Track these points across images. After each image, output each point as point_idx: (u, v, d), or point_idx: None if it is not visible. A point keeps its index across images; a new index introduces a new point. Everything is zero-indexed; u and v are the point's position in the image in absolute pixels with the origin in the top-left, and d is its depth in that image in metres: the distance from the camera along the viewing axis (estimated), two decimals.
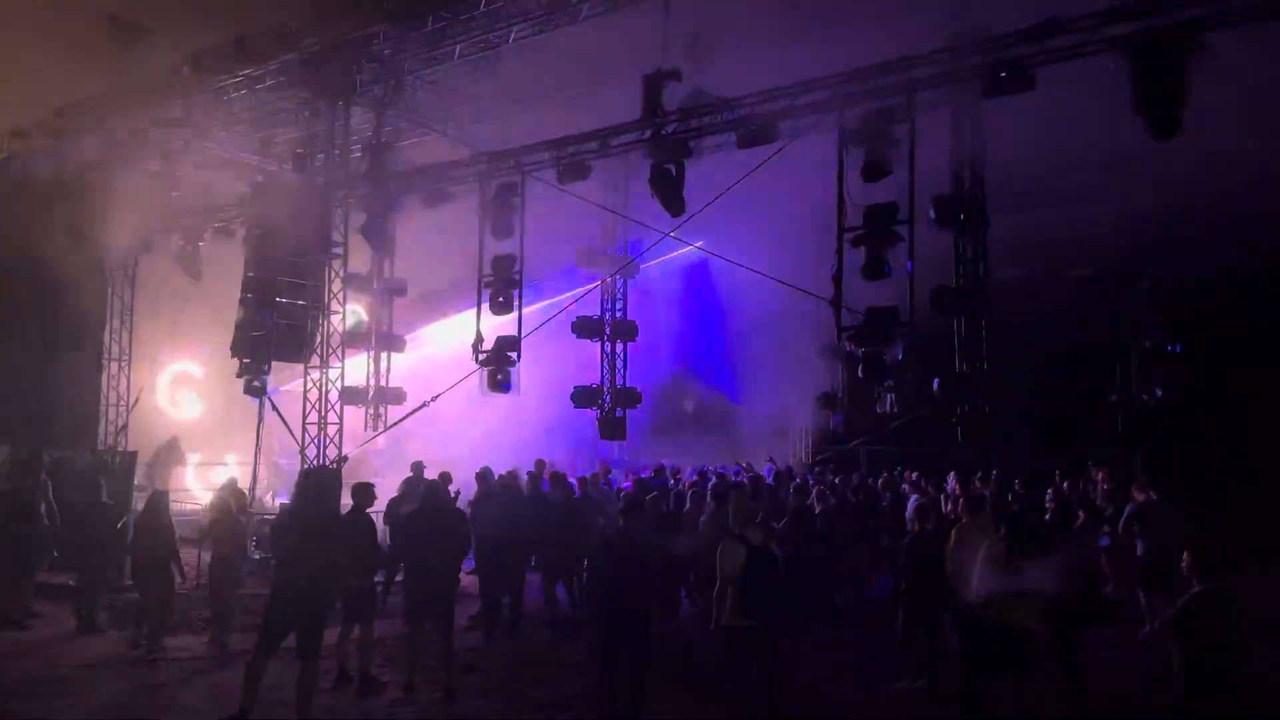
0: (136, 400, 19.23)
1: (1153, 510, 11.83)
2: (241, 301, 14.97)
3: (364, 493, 9.54)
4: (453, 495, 11.07)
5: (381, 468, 17.04)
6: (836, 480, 16.75)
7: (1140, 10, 9.43)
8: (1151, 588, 11.33)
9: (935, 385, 12.26)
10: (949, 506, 13.21)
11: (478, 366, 15.01)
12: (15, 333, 17.51)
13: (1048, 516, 11.72)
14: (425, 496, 9.96)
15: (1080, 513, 12.77)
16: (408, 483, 12.80)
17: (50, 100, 17.93)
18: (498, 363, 14.90)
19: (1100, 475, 16.34)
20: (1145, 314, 16.76)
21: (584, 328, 16.77)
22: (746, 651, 7.92)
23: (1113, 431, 16.55)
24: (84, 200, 17.21)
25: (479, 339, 15.15)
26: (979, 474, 16.50)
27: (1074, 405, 17.96)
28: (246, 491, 15.49)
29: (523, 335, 14.75)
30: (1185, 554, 6.70)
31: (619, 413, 16.92)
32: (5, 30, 15.63)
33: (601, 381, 17.21)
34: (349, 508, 9.46)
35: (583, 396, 16.78)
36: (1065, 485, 15.46)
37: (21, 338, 17.49)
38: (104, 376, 19.01)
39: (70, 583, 12.26)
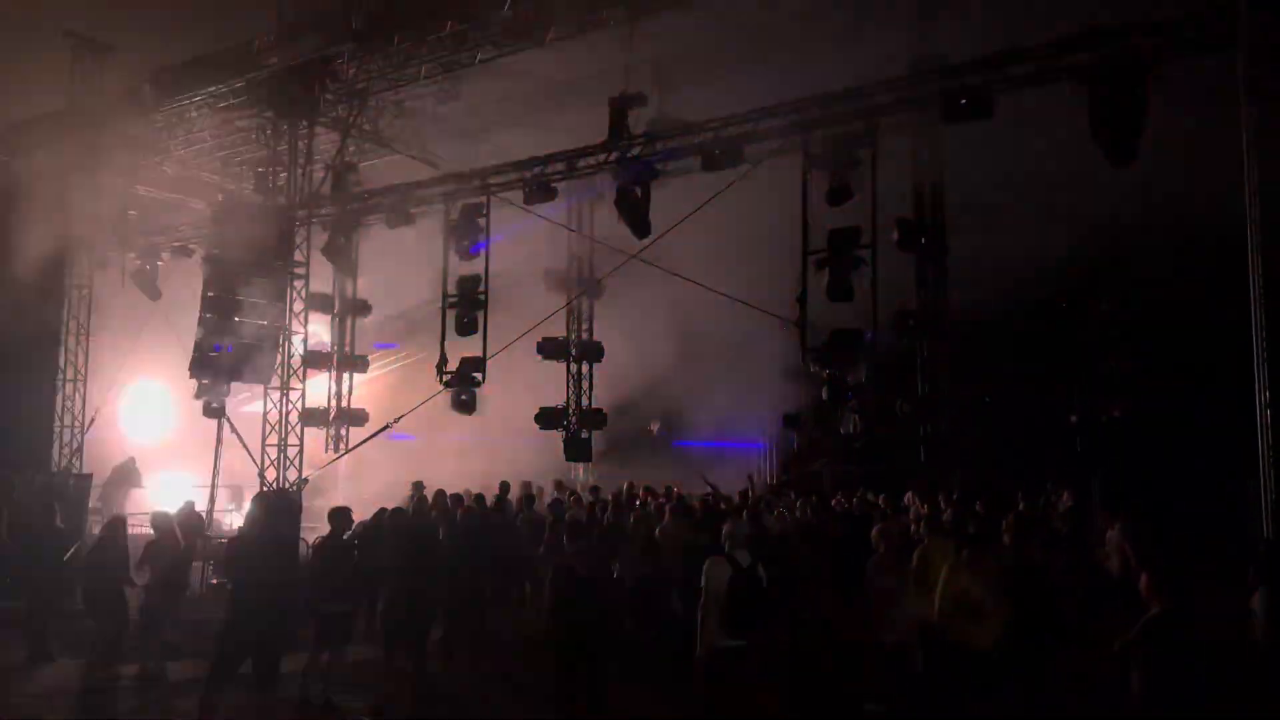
0: (92, 421, 18.86)
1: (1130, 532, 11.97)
2: (200, 321, 14.77)
3: (341, 517, 9.44)
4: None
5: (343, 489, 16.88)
6: (799, 501, 16.74)
7: (1096, 40, 9.63)
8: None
9: (900, 406, 12.38)
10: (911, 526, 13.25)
11: (442, 388, 14.91)
12: None
13: (1006, 539, 11.82)
14: (402, 522, 9.87)
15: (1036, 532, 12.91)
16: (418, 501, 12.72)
17: (6, 116, 17.64)
18: (463, 384, 14.82)
19: (1064, 496, 16.53)
20: (1104, 336, 17.05)
21: (550, 349, 16.73)
22: (729, 670, 7.88)
23: (1072, 452, 16.76)
24: (40, 217, 16.92)
25: (443, 360, 15.05)
26: (940, 494, 16.63)
27: (1035, 426, 18.17)
28: (204, 515, 15.31)
29: (487, 356, 14.68)
30: (1143, 575, 6.78)
31: (585, 434, 16.88)
32: None
33: (567, 402, 17.17)
34: (327, 533, 9.36)
35: (548, 418, 16.72)
36: (1022, 506, 15.60)
37: None
38: (59, 397, 18.63)
39: (20, 608, 11.95)
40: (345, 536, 9.71)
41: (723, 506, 13.73)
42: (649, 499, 15.50)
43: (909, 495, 15.86)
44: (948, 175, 12.52)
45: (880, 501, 16.79)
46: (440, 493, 14.05)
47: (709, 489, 15.77)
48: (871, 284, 11.05)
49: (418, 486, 13.73)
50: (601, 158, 13.29)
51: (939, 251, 12.55)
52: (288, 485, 14.58)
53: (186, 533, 14.46)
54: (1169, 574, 6.81)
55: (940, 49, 11.49)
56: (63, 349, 18.67)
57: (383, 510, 11.97)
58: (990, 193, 14.91)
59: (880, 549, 9.67)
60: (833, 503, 16.77)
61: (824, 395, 11.87)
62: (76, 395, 18.81)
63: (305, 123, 15.23)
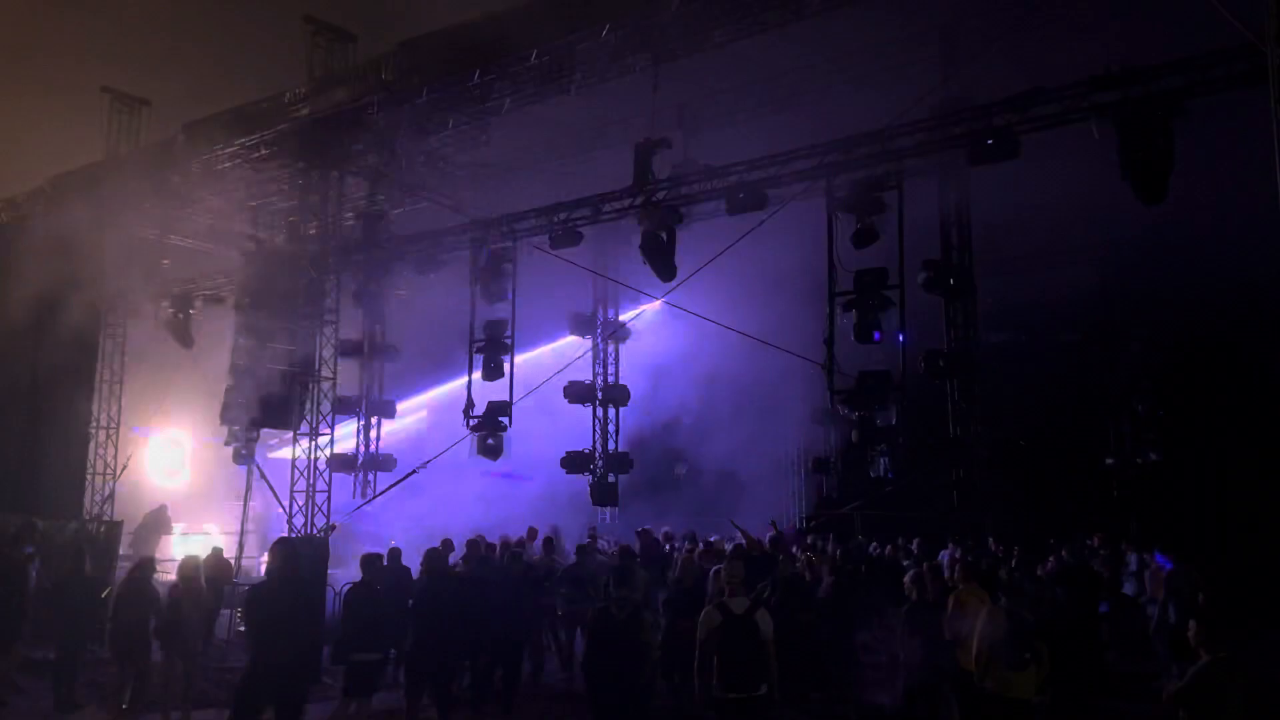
0: (124, 469, 19.00)
1: (1182, 575, 11.76)
2: (231, 369, 14.90)
3: (371, 565, 9.40)
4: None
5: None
6: (827, 547, 16.51)
7: (1124, 80, 9.60)
8: (1179, 653, 11.12)
9: (927, 449, 12.22)
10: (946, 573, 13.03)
11: (469, 432, 14.92)
12: (5, 401, 17.38)
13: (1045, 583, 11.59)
14: (428, 568, 9.79)
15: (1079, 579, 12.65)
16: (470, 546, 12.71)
17: (46, 169, 18.07)
18: (489, 428, 14.83)
19: (1097, 539, 16.22)
20: (1136, 377, 16.82)
21: (576, 393, 16.72)
22: None
23: (1108, 496, 16.47)
24: (76, 268, 17.23)
25: (470, 404, 15.09)
26: (971, 541, 16.38)
27: (1068, 469, 17.88)
28: (232, 561, 15.33)
29: (514, 400, 14.70)
30: (1192, 623, 6.58)
31: (611, 478, 16.80)
32: (5, 102, 15.84)
33: (593, 446, 17.11)
34: (358, 581, 9.32)
35: (574, 462, 16.66)
36: (1064, 552, 15.31)
37: (9, 405, 17.34)
38: (91, 445, 18.80)
39: (50, 657, 11.95)
40: (375, 584, 9.66)
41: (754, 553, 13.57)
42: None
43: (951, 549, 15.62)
44: (974, 216, 12.45)
45: (914, 546, 16.59)
46: (472, 541, 13.99)
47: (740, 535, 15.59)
48: (900, 325, 10.97)
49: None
50: (627, 202, 13.37)
51: (967, 292, 12.45)
52: (315, 531, 14.56)
53: (214, 579, 14.55)
54: (1219, 621, 6.62)
55: (964, 91, 11.52)
56: (96, 397, 18.88)
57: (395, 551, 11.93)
58: (1018, 233, 14.87)
59: (913, 595, 9.50)
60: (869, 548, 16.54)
61: (853, 438, 11.76)
62: (109, 443, 18.98)
63: (336, 172, 15.44)
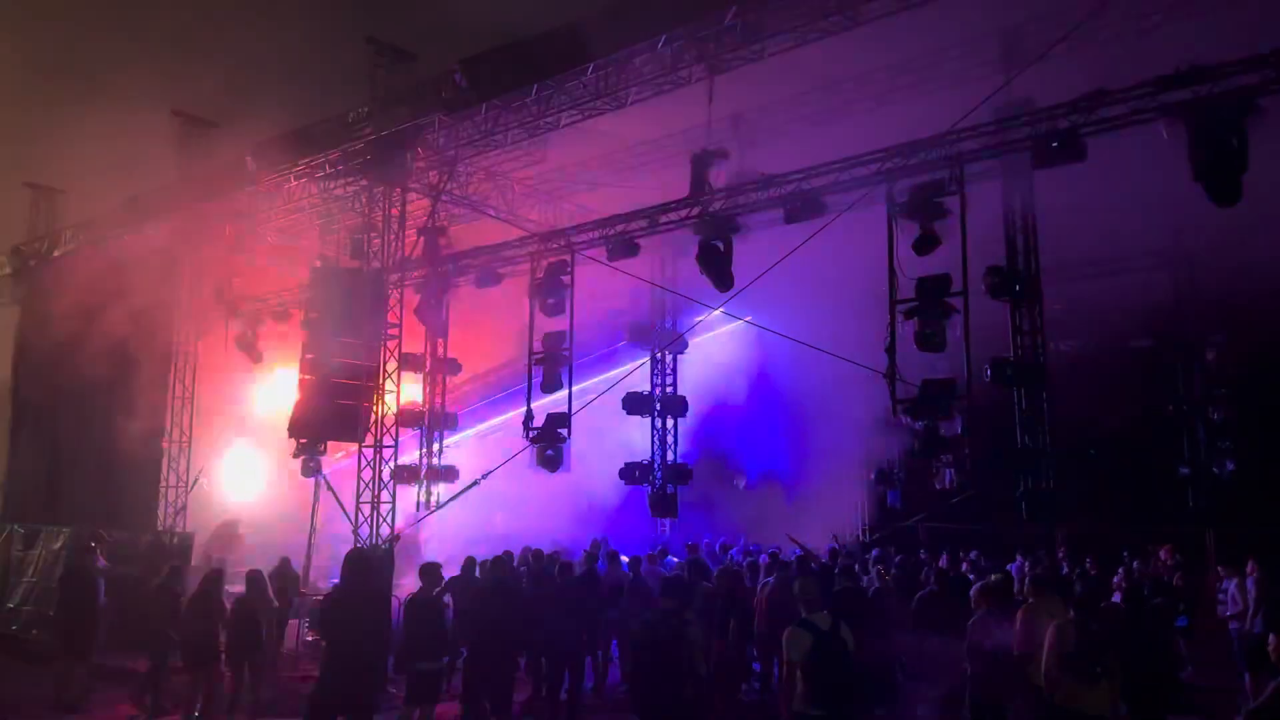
0: (196, 482, 19.48)
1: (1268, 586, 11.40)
2: (298, 383, 15.20)
3: (431, 574, 9.50)
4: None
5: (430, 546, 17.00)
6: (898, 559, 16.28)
7: (1194, 77, 9.34)
8: (1260, 667, 10.74)
9: (994, 460, 11.96)
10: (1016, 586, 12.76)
11: (528, 444, 15.02)
12: (83, 416, 17.97)
13: (1116, 597, 11.28)
14: (490, 576, 9.88)
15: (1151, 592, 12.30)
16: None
17: (119, 191, 18.67)
18: (548, 439, 14.91)
19: (1164, 552, 15.74)
20: (1212, 385, 16.31)
21: (634, 403, 16.73)
22: None
23: (1183, 506, 15.96)
24: (149, 287, 17.78)
25: (529, 416, 15.20)
26: (1043, 552, 16.00)
27: (1141, 480, 17.38)
28: (300, 572, 15.61)
29: (573, 412, 14.77)
30: (1272, 637, 6.36)
31: (670, 489, 16.76)
32: (77, 125, 16.40)
33: (652, 457, 17.09)
34: (419, 590, 9.43)
35: (633, 473, 16.66)
36: (1135, 564, 14.90)
37: (86, 421, 17.92)
38: (164, 459, 19.32)
39: (125, 666, 12.29)
40: (436, 593, 9.76)
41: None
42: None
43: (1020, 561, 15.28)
44: (1040, 220, 12.19)
45: (973, 557, 16.27)
46: (527, 550, 14.10)
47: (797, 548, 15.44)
48: (964, 333, 10.77)
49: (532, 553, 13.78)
50: (683, 213, 13.38)
51: (1034, 298, 12.18)
52: (380, 542, 14.77)
53: (281, 590, 14.83)
54: None
55: (1026, 93, 11.31)
56: (169, 411, 19.40)
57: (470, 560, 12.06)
58: (1086, 237, 14.53)
59: (981, 608, 9.30)
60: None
61: (916, 448, 11.56)
62: (181, 456, 19.47)
63: (397, 189, 15.71)
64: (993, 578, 10.91)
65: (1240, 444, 15.86)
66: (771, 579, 11.94)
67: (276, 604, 12.33)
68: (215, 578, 11.50)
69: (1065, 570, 14.70)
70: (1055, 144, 10.38)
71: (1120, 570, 13.67)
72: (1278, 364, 16.51)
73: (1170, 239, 16.22)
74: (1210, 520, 16.61)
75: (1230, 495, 15.63)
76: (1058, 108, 10.47)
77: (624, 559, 14.03)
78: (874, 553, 16.42)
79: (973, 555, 16.21)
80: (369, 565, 8.63)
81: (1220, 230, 11.99)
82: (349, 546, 14.89)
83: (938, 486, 13.85)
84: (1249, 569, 12.86)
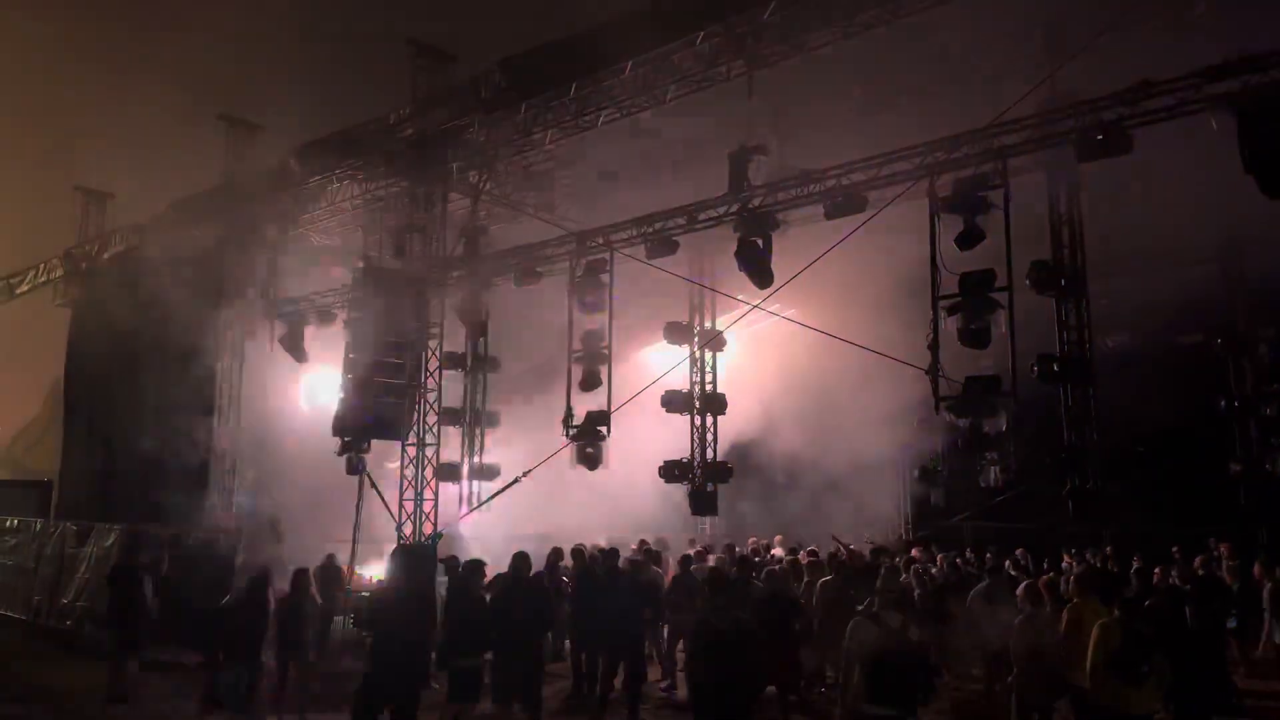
0: (244, 482, 19.78)
1: None
2: (343, 382, 15.41)
3: (474, 571, 9.57)
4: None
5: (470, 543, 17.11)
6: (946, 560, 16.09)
7: (1242, 67, 9.15)
8: None
9: (1041, 458, 11.80)
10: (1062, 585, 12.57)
11: (568, 441, 15.10)
12: (134, 416, 18.33)
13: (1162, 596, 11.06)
14: (508, 574, 9.89)
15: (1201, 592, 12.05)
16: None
17: (167, 194, 19.03)
18: (587, 437, 14.97)
19: (1224, 550, 15.41)
20: (1263, 380, 15.95)
21: (673, 402, 16.72)
22: None
23: (1235, 504, 15.62)
24: (196, 287, 18.09)
25: (569, 414, 15.27)
26: (1083, 551, 15.77)
27: (1191, 477, 17.04)
28: (344, 568, 15.78)
29: (612, 410, 14.82)
30: None
31: (709, 487, 16.73)
32: (126, 130, 16.75)
33: (692, 455, 17.07)
34: (461, 585, 9.49)
35: (672, 471, 16.65)
36: (1174, 567, 14.60)
37: (136, 420, 18.27)
38: (212, 457, 19.64)
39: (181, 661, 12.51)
40: (479, 590, 9.81)
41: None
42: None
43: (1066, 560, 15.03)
44: (1085, 212, 12.00)
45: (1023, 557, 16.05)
46: (562, 549, 14.14)
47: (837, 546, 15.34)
48: (1009, 329, 10.63)
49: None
50: (722, 210, 13.35)
51: (1079, 293, 11.99)
52: (423, 539, 14.92)
53: (326, 586, 15.01)
54: None
55: (1070, 86, 11.13)
56: (216, 411, 19.72)
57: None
58: (1134, 231, 14.26)
59: (1026, 608, 9.19)
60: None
61: (961, 446, 11.44)
62: (229, 456, 19.79)
63: (439, 189, 15.85)
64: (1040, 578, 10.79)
65: None
66: (828, 578, 11.89)
67: (320, 601, 12.44)
68: (260, 575, 11.65)
69: (1111, 569, 14.46)
70: (1100, 137, 10.22)
71: (1173, 570, 13.39)
72: None
73: (1220, 231, 15.87)
74: (1262, 518, 16.25)
75: None
76: (1102, 100, 10.32)
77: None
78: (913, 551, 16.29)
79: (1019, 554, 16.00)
80: (415, 561, 8.72)
81: (1272, 221, 11.69)
82: (390, 544, 15.12)
83: (982, 484, 13.71)
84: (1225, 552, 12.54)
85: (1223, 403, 16.42)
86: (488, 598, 9.87)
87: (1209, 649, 8.73)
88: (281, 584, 12.21)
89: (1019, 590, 9.62)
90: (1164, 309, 16.95)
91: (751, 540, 17.96)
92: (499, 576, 11.50)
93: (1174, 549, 15.29)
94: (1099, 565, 15.05)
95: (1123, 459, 15.05)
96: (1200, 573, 13.07)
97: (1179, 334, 17.71)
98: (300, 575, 11.55)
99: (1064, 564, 15.28)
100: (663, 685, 12.68)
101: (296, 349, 19.59)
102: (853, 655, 7.43)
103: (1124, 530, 16.27)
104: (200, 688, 11.63)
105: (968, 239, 10.86)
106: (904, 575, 13.00)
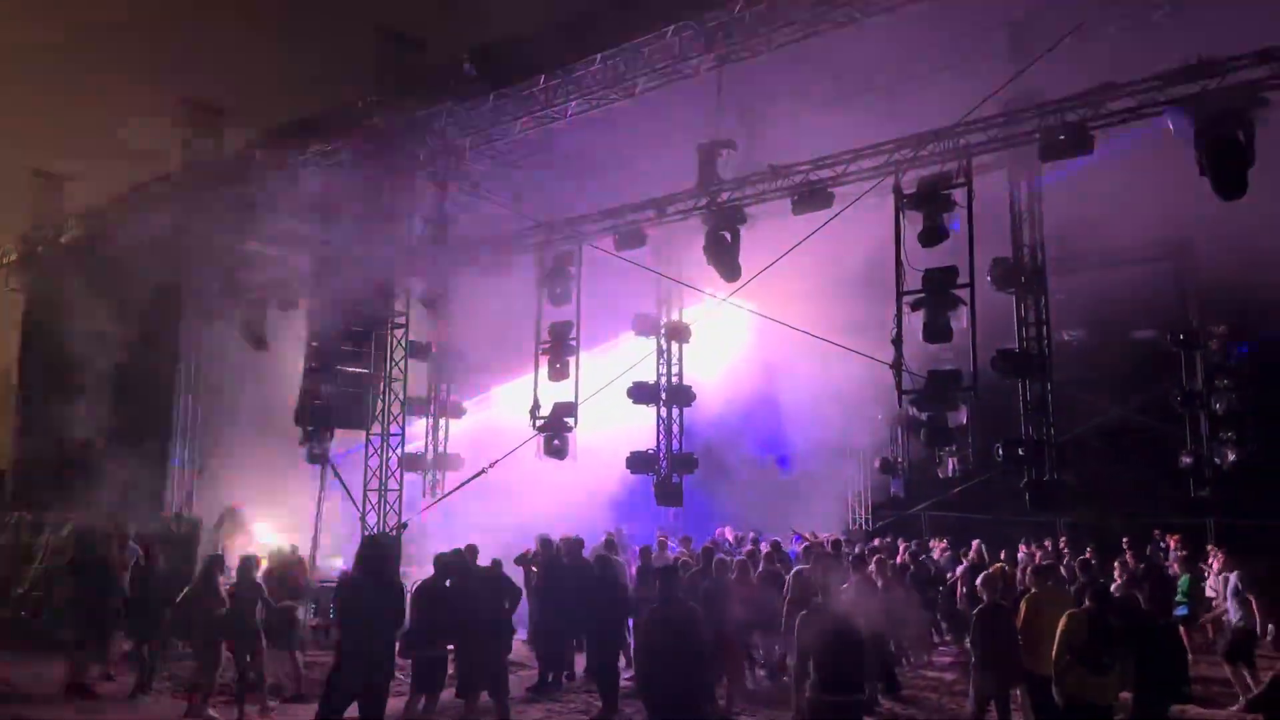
0: (201, 470, 19.54)
1: (1244, 581, 11.49)
2: (305, 371, 15.29)
3: (444, 564, 9.59)
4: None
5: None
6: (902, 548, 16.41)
7: (1200, 72, 9.39)
8: (1237, 660, 10.88)
9: (998, 450, 12.03)
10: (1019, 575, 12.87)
11: (535, 432, 15.12)
12: (89, 403, 18.03)
13: (1113, 587, 11.38)
14: (455, 567, 9.89)
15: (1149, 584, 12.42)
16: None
17: (126, 178, 18.68)
18: (555, 429, 15.00)
19: (1172, 542, 15.85)
20: (1214, 376, 16.39)
21: (640, 393, 16.77)
22: None
23: (1185, 496, 16.07)
24: (156, 274, 17.81)
25: (536, 405, 15.29)
26: (1047, 541, 16.13)
27: (1143, 470, 17.49)
28: (306, 559, 15.69)
29: (579, 401, 14.87)
30: (1271, 628, 6.46)
31: (675, 478, 16.81)
32: (85, 113, 16.43)
33: (658, 447, 17.14)
34: (429, 577, 9.51)
35: (639, 462, 16.71)
36: (1130, 555, 15.01)
37: (95, 408, 17.98)
38: (171, 445, 19.39)
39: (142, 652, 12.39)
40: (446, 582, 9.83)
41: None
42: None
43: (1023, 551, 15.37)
44: (1046, 213, 12.24)
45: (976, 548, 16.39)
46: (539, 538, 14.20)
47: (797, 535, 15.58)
48: (970, 325, 10.84)
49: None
50: (691, 203, 13.43)
51: (1039, 290, 12.24)
52: (387, 530, 14.88)
53: (286, 577, 14.91)
54: None
55: (1034, 87, 11.34)
56: (175, 400, 19.45)
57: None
58: (1092, 230, 14.58)
59: (985, 598, 9.41)
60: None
61: (922, 439, 11.66)
62: (188, 443, 19.53)
63: (405, 178, 15.74)
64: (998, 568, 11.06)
65: (1242, 434, 15.94)
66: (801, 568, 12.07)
67: (267, 590, 12.30)
68: (214, 564, 11.56)
69: (1068, 560, 14.81)
70: (1063, 137, 10.44)
71: (1116, 562, 13.75)
72: None
73: (1174, 230, 16.26)
74: (1211, 510, 16.73)
75: (1232, 485, 15.72)
76: (1065, 101, 10.54)
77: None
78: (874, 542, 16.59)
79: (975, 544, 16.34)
80: (384, 552, 8.71)
81: (1224, 222, 12.03)
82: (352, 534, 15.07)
83: (941, 476, 13.97)
84: (1212, 562, 12.91)
85: (1179, 397, 16.86)
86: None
87: (1169, 640, 9.01)
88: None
89: (978, 581, 9.85)
90: (1119, 306, 17.37)
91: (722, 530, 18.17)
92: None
93: (1124, 540, 15.71)
94: (1055, 555, 15.45)
95: (1078, 451, 15.39)
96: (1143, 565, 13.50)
97: (1133, 330, 18.14)
98: (246, 563, 11.43)
99: (1020, 554, 15.63)
100: (627, 675, 12.77)
101: (257, 337, 19.36)
102: (804, 646, 7.60)
103: (1078, 521, 16.68)
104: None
105: (931, 236, 11.05)
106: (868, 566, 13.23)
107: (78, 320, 18.09)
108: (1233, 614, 11.10)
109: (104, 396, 18.53)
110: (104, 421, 18.37)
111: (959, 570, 14.52)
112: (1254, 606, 10.98)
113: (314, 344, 15.25)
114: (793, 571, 11.72)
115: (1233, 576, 11.50)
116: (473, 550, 11.51)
